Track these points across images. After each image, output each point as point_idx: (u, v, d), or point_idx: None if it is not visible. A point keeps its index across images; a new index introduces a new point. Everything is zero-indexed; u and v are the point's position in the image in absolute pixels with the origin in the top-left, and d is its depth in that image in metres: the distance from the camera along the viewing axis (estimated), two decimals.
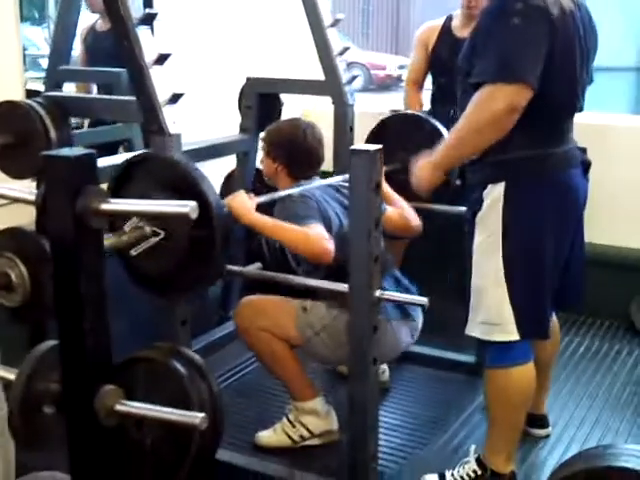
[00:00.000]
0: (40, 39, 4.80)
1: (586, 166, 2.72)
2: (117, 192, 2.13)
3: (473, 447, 2.85)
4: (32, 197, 1.51)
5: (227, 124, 3.80)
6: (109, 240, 2.07)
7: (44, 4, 5.26)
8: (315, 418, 3.04)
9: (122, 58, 2.66)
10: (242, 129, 3.73)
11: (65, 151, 1.46)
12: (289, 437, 3.06)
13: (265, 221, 2.80)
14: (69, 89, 4.17)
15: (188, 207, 1.37)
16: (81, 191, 1.42)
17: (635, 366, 3.84)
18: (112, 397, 1.60)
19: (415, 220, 3.18)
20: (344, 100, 3.61)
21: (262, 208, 2.83)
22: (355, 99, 3.78)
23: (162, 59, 2.60)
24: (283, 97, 3.80)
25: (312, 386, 3.07)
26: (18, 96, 2.91)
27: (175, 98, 2.65)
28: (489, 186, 2.59)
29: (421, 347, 3.54)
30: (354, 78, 3.78)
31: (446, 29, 4.15)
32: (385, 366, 3.51)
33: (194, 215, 1.38)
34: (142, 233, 1.97)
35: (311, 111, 4.47)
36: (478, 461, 2.78)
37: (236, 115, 3.74)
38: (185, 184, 2.01)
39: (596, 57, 2.67)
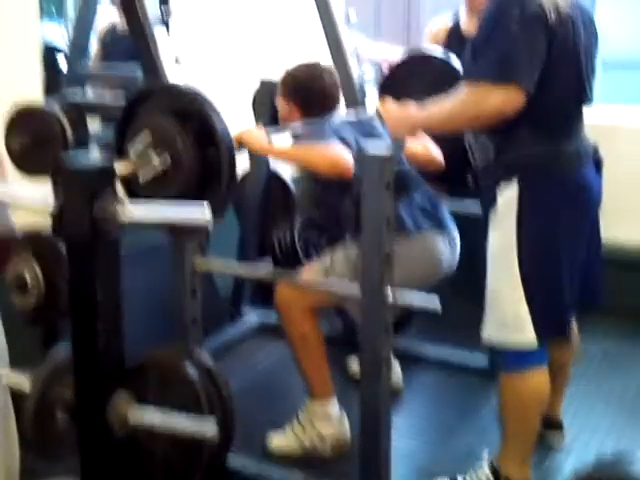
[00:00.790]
0: (57, 35, 4.80)
1: (598, 163, 2.72)
2: (127, 121, 2.17)
3: (486, 452, 2.83)
4: (49, 203, 1.52)
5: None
6: (118, 167, 2.10)
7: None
8: (327, 422, 3.02)
9: (139, 56, 2.68)
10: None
11: (83, 156, 1.47)
12: (299, 440, 3.04)
13: (281, 147, 2.83)
14: None
15: (204, 214, 1.38)
16: (98, 196, 1.44)
17: None
18: (125, 405, 1.61)
19: (438, 154, 3.18)
20: (356, 100, 3.64)
21: None
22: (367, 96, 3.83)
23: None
24: None
25: (331, 384, 3.05)
26: (37, 93, 2.93)
27: None
28: (502, 184, 2.58)
29: (434, 348, 3.53)
30: None
31: (455, 27, 4.14)
32: (398, 369, 3.50)
33: (211, 226, 1.39)
34: (149, 160, 2.00)
35: None
36: (491, 466, 2.77)
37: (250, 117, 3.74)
38: (193, 112, 2.06)
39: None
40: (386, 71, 3.88)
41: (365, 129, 3.12)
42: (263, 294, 3.70)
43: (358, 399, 2.53)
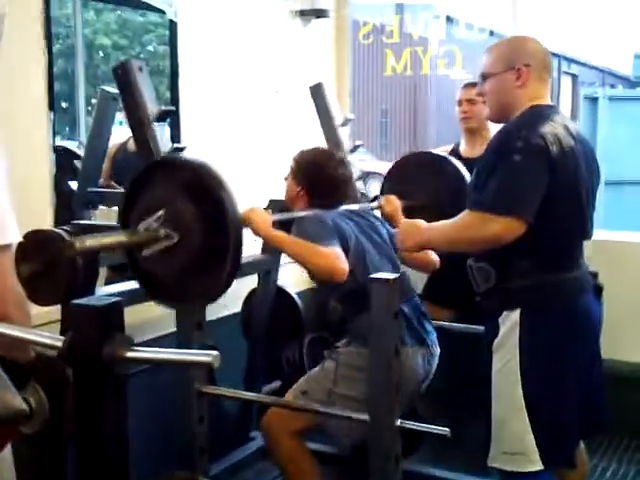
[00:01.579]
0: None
1: (598, 290, 2.75)
2: (135, 193, 2.23)
3: None
4: (58, 343, 1.53)
5: None
6: (120, 237, 2.13)
7: (75, 120, 5.40)
8: None
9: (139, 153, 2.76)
10: (263, 249, 3.78)
11: (92, 299, 1.50)
12: None
13: (283, 236, 2.83)
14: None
15: (211, 357, 1.39)
16: (107, 339, 1.45)
17: None
18: None
19: (433, 254, 3.19)
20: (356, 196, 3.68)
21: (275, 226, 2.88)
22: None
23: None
24: None
25: None
26: (46, 222, 2.97)
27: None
28: (504, 313, 2.61)
29: (445, 472, 3.48)
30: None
31: (454, 151, 4.26)
32: None
33: (217, 364, 1.40)
34: (155, 235, 2.02)
35: None
36: None
37: None
38: (204, 189, 2.11)
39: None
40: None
41: (364, 223, 3.16)
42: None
43: None
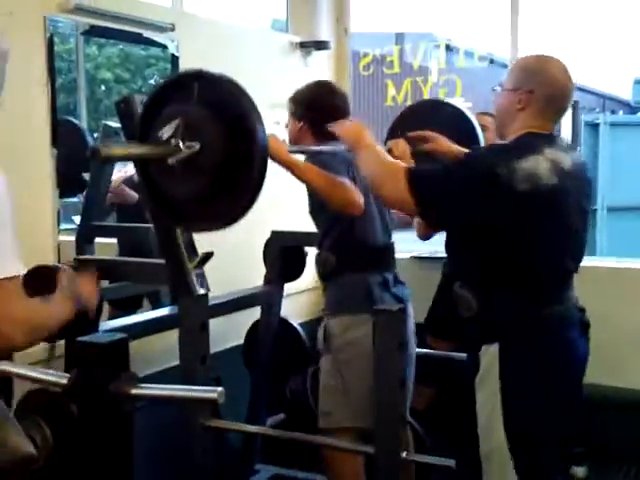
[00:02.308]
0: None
1: (585, 326, 2.65)
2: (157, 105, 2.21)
3: None
4: (64, 380, 1.53)
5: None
6: (142, 149, 2.11)
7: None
8: None
9: (151, 221, 2.74)
10: (266, 281, 3.79)
11: (98, 336, 1.50)
12: None
13: (299, 161, 2.78)
14: None
15: (216, 393, 1.40)
16: (113, 376, 1.46)
17: None
18: None
19: None
20: None
21: None
22: None
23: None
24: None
25: None
26: (50, 258, 2.99)
27: (204, 259, 2.71)
28: (484, 347, 2.55)
29: None
30: None
31: None
32: None
33: (221, 400, 1.40)
34: (177, 145, 2.04)
35: None
36: None
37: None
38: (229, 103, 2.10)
39: None
40: None
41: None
42: (275, 450, 3.67)
43: None
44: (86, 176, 3.84)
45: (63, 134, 3.18)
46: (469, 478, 2.69)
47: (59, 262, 2.96)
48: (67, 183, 3.27)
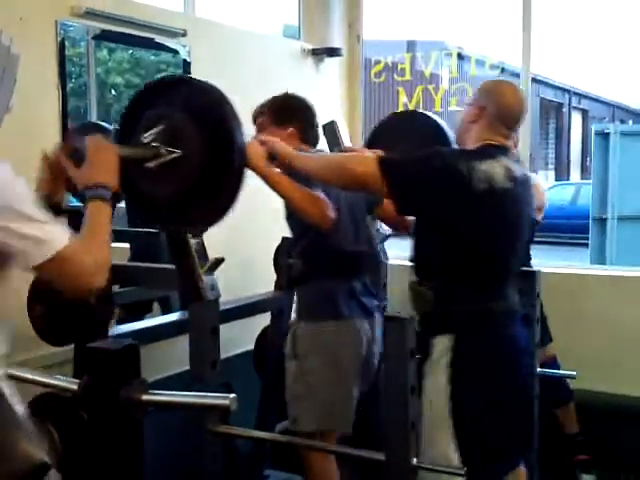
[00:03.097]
0: None
1: (527, 320, 2.95)
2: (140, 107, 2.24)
3: None
4: (74, 386, 1.53)
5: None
6: (124, 151, 2.13)
7: None
8: None
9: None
10: (277, 287, 3.78)
11: (110, 343, 1.49)
12: None
13: (275, 172, 2.81)
14: None
15: (228, 400, 1.39)
16: (124, 383, 1.45)
17: None
18: None
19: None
20: (379, 259, 3.76)
21: None
22: (387, 256, 3.91)
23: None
24: None
25: None
26: None
27: (215, 265, 2.70)
28: (437, 337, 2.68)
29: None
30: (387, 237, 3.93)
31: None
32: None
33: (234, 407, 1.40)
34: (157, 151, 2.04)
35: None
36: None
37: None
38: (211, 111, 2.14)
39: None
40: None
41: None
42: (284, 456, 3.66)
43: None
44: None
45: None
46: None
47: None
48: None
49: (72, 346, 2.70)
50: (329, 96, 4.85)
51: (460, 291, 2.70)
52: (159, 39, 3.63)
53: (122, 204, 3.87)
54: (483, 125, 2.81)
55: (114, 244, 3.78)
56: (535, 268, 3.53)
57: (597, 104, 32.00)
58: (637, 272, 4.52)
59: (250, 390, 3.63)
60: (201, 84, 2.29)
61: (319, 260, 3.23)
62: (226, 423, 2.81)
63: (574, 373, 3.51)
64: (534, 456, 3.36)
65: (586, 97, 30.91)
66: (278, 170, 2.85)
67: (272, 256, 3.84)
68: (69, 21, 3.16)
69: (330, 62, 4.79)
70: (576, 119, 31.38)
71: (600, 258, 10.06)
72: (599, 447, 4.13)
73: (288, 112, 3.29)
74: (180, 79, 2.23)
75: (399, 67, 5.54)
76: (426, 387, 2.67)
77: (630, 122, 23.38)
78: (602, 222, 10.33)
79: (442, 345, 2.66)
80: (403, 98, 5.42)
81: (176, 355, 3.14)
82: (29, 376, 1.62)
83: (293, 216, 3.16)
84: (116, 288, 3.12)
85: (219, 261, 2.71)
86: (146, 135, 2.14)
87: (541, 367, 3.38)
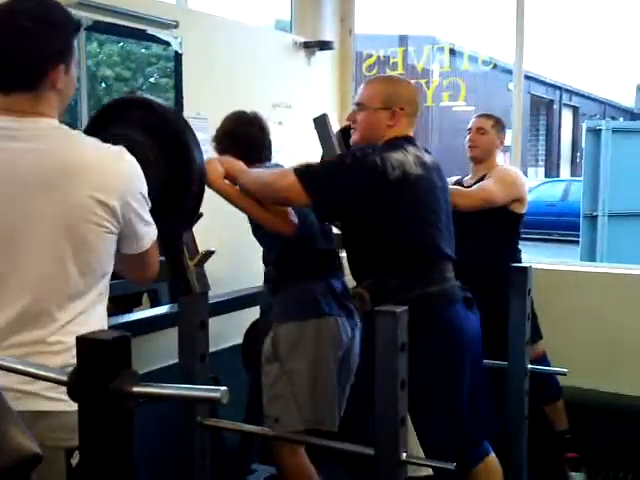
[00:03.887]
0: None
1: (468, 301, 2.93)
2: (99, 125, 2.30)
3: None
4: (64, 377, 1.51)
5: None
6: None
7: None
8: None
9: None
10: (265, 281, 3.76)
11: (99, 333, 1.48)
12: None
13: (233, 190, 2.92)
14: None
15: (219, 392, 1.38)
16: (115, 374, 1.44)
17: None
18: None
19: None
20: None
21: None
22: None
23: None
24: None
25: None
26: None
27: (205, 258, 2.69)
28: None
29: None
30: None
31: (459, 182, 4.28)
32: None
33: (225, 400, 1.39)
34: None
35: None
36: None
37: None
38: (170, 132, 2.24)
39: None
40: None
41: None
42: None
43: None
44: None
45: None
46: None
47: None
48: None
49: None
50: (320, 89, 4.84)
51: (393, 283, 2.77)
52: (151, 30, 3.61)
53: None
54: (402, 125, 2.94)
55: None
56: (526, 264, 3.54)
57: (588, 101, 32.05)
58: (628, 269, 4.53)
59: (239, 384, 3.62)
60: (162, 108, 2.38)
61: (294, 265, 3.27)
62: (214, 416, 2.81)
63: (565, 370, 3.50)
64: (523, 453, 3.36)
65: (577, 94, 30.97)
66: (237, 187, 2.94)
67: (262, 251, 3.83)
68: None
69: (322, 55, 4.78)
70: (567, 116, 31.44)
71: (590, 255, 10.08)
72: (588, 445, 4.13)
73: (225, 142, 3.33)
74: (142, 101, 2.31)
75: (391, 61, 5.53)
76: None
77: (621, 119, 23.42)
78: (593, 219, 10.36)
79: None
80: None
81: (165, 348, 3.13)
82: (16, 366, 1.61)
83: (258, 230, 3.23)
84: None
85: (209, 254, 2.70)
86: None
87: (531, 364, 3.38)
